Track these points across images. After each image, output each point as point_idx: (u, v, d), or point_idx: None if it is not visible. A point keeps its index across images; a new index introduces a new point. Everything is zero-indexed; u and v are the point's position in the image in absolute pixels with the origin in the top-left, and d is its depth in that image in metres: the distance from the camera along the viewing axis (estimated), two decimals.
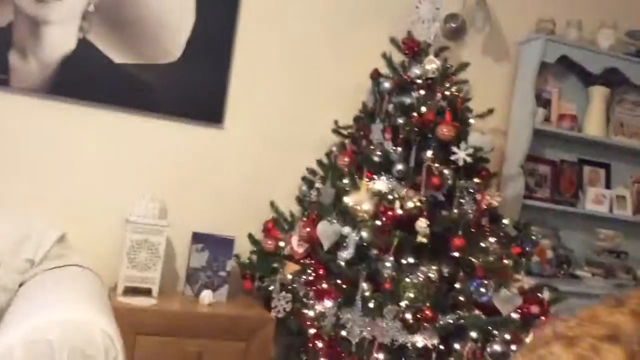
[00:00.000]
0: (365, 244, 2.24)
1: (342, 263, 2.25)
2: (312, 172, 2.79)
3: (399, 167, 2.41)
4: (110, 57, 2.58)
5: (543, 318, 2.23)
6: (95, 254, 2.50)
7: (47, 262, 2.24)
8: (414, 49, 2.66)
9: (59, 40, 2.52)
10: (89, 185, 2.59)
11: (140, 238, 2.35)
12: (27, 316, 1.64)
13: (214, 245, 2.51)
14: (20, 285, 2.06)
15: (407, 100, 2.53)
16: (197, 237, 2.52)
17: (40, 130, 2.53)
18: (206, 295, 2.39)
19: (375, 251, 2.27)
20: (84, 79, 2.56)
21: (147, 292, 2.36)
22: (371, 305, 2.18)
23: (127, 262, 2.33)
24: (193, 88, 2.70)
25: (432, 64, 2.54)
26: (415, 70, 2.54)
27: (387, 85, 2.57)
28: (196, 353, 2.20)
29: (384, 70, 2.72)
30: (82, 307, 1.73)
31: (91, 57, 2.56)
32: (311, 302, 2.33)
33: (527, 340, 2.04)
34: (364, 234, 2.23)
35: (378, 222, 2.30)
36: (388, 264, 2.25)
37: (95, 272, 2.27)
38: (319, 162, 2.78)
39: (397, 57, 2.73)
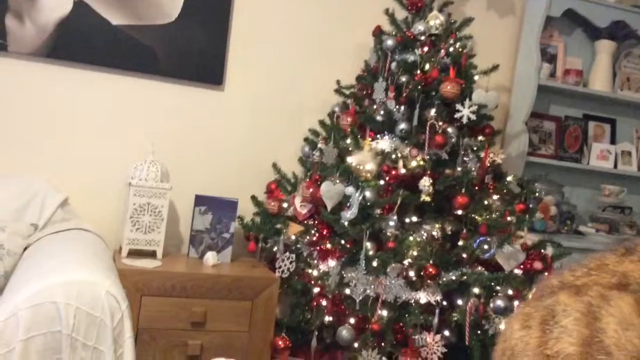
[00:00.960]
0: (368, 204, 2.24)
1: (346, 223, 2.25)
2: (314, 132, 2.77)
3: (402, 126, 2.38)
4: (107, 19, 2.54)
5: (546, 274, 2.23)
6: (98, 217, 2.52)
7: (51, 226, 2.26)
8: (417, 5, 2.60)
9: (55, 2, 2.48)
10: (90, 149, 2.58)
11: (143, 201, 2.35)
12: (33, 279, 1.65)
13: (217, 207, 2.50)
14: (25, 249, 2.07)
15: (411, 58, 2.48)
16: (200, 200, 2.52)
17: (40, 95, 2.50)
18: (210, 257, 2.40)
19: (378, 210, 2.27)
20: (81, 41, 2.52)
21: (151, 254, 2.38)
22: (375, 263, 2.19)
23: (130, 225, 2.34)
24: (191, 49, 2.66)
25: (435, 20, 2.49)
26: (419, 27, 2.48)
27: (390, 42, 2.52)
28: (201, 313, 2.23)
29: (387, 27, 2.67)
30: (87, 269, 1.74)
31: (88, 19, 2.52)
32: (315, 261, 2.34)
33: (531, 292, 2.05)
34: (368, 193, 2.22)
35: (381, 182, 2.29)
36: (391, 223, 2.25)
37: (99, 235, 2.28)
38: (321, 123, 2.76)
39: (400, 14, 2.67)
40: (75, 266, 1.75)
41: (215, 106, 2.74)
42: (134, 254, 2.35)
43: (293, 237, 2.41)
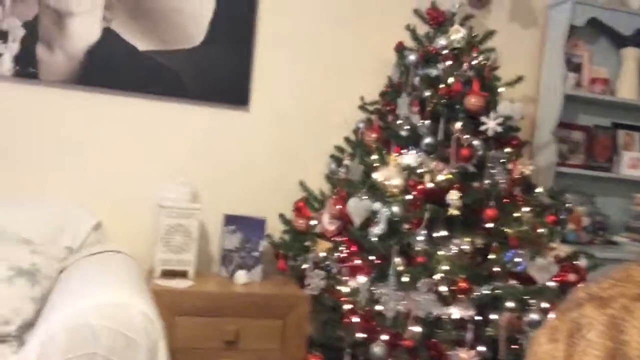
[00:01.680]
0: (396, 219, 2.24)
1: (374, 239, 2.25)
2: (340, 149, 2.79)
3: (428, 140, 2.38)
4: (135, 45, 2.60)
5: (579, 285, 2.20)
6: (130, 239, 2.56)
7: (85, 249, 2.30)
8: (438, 19, 2.61)
9: (84, 30, 2.55)
10: (121, 172, 2.63)
11: (174, 222, 2.39)
12: (68, 302, 1.68)
13: (245, 226, 2.53)
14: (60, 272, 2.11)
15: (434, 72, 2.49)
16: (229, 219, 2.55)
17: (71, 121, 2.57)
18: (241, 276, 2.42)
19: (406, 226, 2.26)
20: (110, 67, 2.59)
21: (183, 275, 2.41)
22: (405, 279, 2.18)
23: (162, 246, 2.37)
24: (217, 72, 2.70)
25: (457, 34, 2.49)
26: (441, 41, 2.49)
27: (412, 57, 2.54)
28: (234, 332, 2.24)
29: (409, 42, 2.68)
30: (121, 291, 1.77)
31: (116, 46, 2.59)
32: (345, 278, 2.34)
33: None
34: (395, 208, 2.22)
35: (408, 197, 2.29)
36: (420, 238, 2.24)
37: (131, 257, 2.32)
38: (347, 139, 2.77)
39: (422, 29, 2.69)
40: (110, 288, 1.78)
41: (241, 127, 2.78)
42: (166, 274, 2.38)
43: (322, 254, 2.42)
